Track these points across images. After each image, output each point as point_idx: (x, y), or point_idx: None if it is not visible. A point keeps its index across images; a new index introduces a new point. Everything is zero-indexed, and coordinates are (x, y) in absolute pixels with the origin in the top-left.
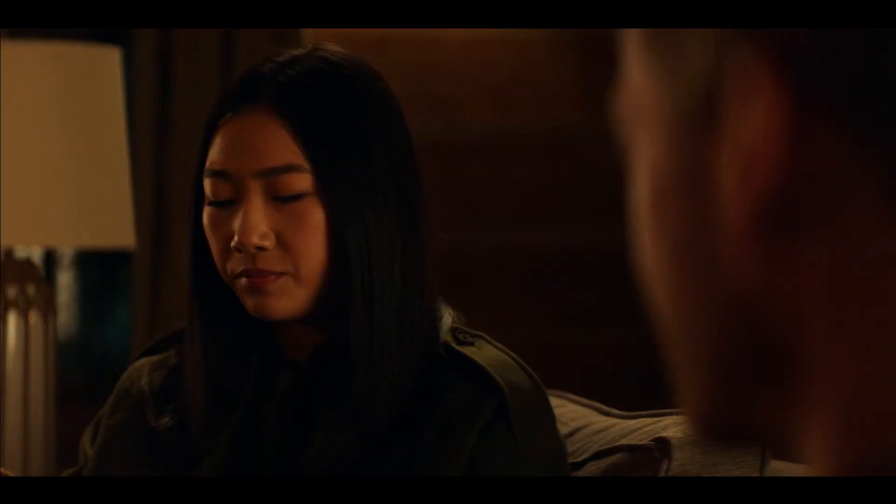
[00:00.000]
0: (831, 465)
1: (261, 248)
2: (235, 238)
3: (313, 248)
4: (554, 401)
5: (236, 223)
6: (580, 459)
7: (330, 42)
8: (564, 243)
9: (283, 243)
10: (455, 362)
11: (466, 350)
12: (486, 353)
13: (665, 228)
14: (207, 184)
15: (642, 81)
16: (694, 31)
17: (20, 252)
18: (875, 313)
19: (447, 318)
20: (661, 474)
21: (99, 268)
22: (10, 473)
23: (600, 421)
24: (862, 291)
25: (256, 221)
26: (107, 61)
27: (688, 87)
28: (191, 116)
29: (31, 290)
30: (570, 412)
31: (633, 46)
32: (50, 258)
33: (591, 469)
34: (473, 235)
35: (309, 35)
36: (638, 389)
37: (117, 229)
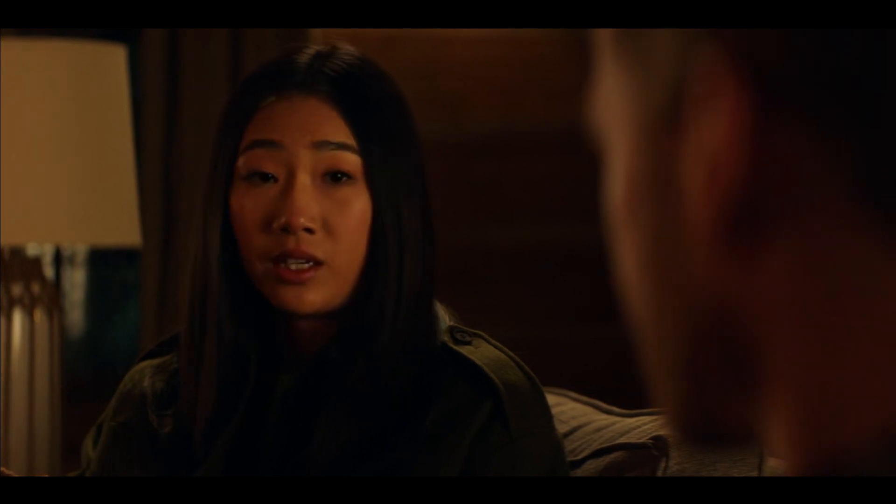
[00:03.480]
0: (793, 463)
1: (308, 231)
2: (283, 218)
3: (356, 237)
4: (554, 399)
5: (284, 202)
6: (579, 458)
7: (344, 43)
8: (572, 240)
9: (329, 228)
10: (452, 362)
11: (464, 349)
12: (483, 352)
13: (637, 230)
14: (249, 158)
15: (615, 81)
16: (662, 31)
17: (31, 250)
18: (839, 316)
19: (444, 317)
20: (660, 473)
21: (113, 266)
22: (11, 473)
23: (600, 419)
24: (827, 293)
25: (307, 202)
26: (112, 59)
27: (656, 87)
28: (200, 115)
29: (36, 288)
30: (570, 410)
31: (606, 46)
32: (61, 256)
33: (590, 467)
34: (481, 233)
35: (317, 35)
36: (642, 387)
37: (123, 227)
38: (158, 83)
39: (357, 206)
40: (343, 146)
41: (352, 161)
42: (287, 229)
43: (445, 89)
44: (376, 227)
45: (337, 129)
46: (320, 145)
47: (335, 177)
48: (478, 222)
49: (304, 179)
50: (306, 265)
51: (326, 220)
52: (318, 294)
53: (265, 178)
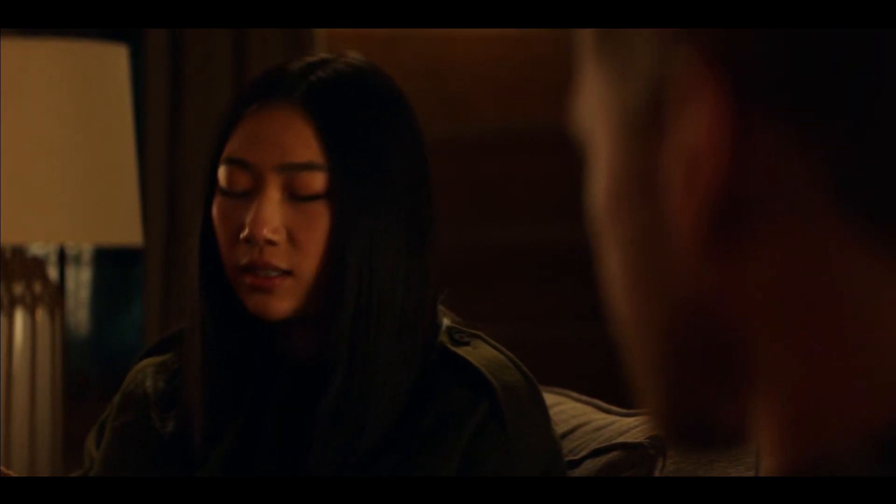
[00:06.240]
0: (779, 461)
1: (270, 242)
2: (246, 229)
3: (321, 250)
4: (553, 398)
5: (249, 214)
6: (579, 457)
7: (352, 51)
8: (573, 239)
9: (293, 240)
10: (450, 364)
11: (462, 350)
12: (481, 353)
13: (619, 231)
14: (224, 172)
15: (597, 82)
16: (641, 32)
17: (37, 249)
18: (819, 316)
19: (443, 317)
20: (657, 472)
21: (119, 265)
22: (10, 473)
23: (599, 418)
24: (809, 295)
25: (270, 214)
26: (114, 58)
27: (636, 88)
28: (203, 114)
29: (38, 287)
30: (569, 409)
31: (588, 46)
32: (65, 256)
33: (588, 467)
34: (482, 232)
35: (321, 35)
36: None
37: (125, 227)
38: (161, 83)
39: (325, 220)
40: (309, 166)
41: (318, 179)
42: (250, 241)
43: (448, 89)
44: (338, 242)
45: (306, 146)
46: (285, 168)
47: (304, 195)
48: (480, 221)
49: (271, 194)
50: (273, 273)
51: (292, 232)
52: (285, 302)
53: (240, 192)
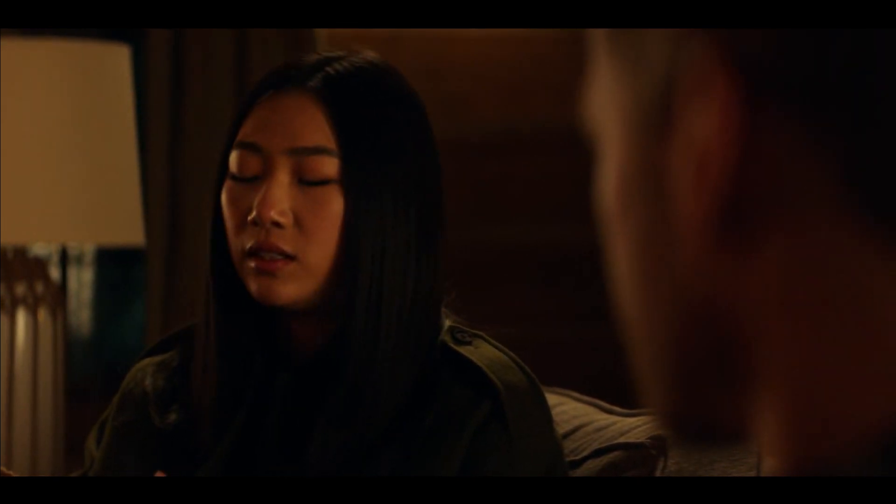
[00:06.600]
0: (782, 461)
1: (277, 225)
2: (254, 211)
3: (328, 235)
4: (555, 399)
5: (257, 198)
6: (580, 457)
7: (369, 51)
8: (575, 239)
9: (300, 225)
10: (452, 363)
11: (464, 350)
12: (483, 352)
13: (628, 228)
14: (235, 157)
15: (608, 78)
16: (652, 30)
17: (39, 250)
18: (825, 315)
19: (445, 317)
20: (658, 472)
21: (121, 265)
22: (10, 473)
23: (601, 419)
24: (817, 292)
25: (279, 197)
26: (116, 59)
27: (647, 85)
28: (204, 114)
29: (39, 287)
30: (571, 410)
31: (601, 43)
32: (67, 256)
33: (590, 467)
34: (483, 232)
35: (321, 35)
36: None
37: (126, 227)
38: (162, 83)
39: (333, 206)
40: (319, 150)
41: (328, 164)
42: (257, 223)
43: (448, 89)
44: (350, 229)
45: (316, 130)
46: (296, 152)
47: (314, 179)
48: (480, 221)
49: (280, 178)
50: (278, 257)
51: (299, 216)
52: (289, 287)
53: (249, 177)
